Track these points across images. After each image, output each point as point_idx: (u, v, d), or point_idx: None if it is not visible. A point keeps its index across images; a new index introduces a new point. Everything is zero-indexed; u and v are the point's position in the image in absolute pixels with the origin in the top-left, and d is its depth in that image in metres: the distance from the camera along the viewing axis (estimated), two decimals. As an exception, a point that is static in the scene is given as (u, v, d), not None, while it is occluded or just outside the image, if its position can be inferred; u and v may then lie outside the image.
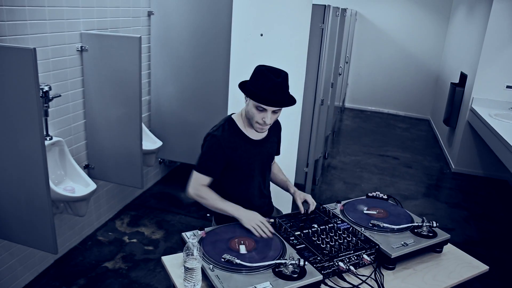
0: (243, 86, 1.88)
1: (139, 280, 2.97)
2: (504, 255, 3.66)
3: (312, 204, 2.03)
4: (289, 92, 1.87)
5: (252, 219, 1.82)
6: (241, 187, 2.03)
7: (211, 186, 1.98)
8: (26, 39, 2.51)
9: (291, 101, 1.86)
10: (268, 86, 1.77)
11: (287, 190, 2.19)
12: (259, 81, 1.79)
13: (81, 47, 2.96)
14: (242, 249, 1.67)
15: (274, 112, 1.85)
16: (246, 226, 1.81)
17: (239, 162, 1.95)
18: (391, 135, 7.14)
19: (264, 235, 1.77)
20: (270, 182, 2.23)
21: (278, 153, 2.24)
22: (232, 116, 2.01)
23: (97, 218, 3.57)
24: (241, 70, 2.77)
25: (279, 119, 2.09)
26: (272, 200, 2.28)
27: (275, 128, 2.12)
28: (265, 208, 2.16)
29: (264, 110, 1.82)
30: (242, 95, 2.82)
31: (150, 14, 3.84)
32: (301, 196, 2.07)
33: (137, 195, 4.17)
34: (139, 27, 3.72)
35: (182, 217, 3.86)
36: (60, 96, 2.82)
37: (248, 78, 1.89)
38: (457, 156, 5.59)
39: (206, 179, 1.94)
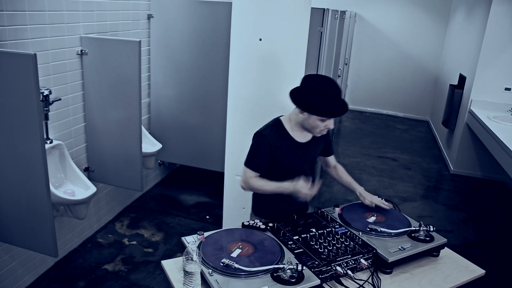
0: (300, 103, 1.94)
1: (138, 282, 2.99)
2: (502, 257, 3.68)
3: (382, 204, 2.14)
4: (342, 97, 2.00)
5: (301, 187, 1.96)
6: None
7: None
8: (27, 43, 2.53)
9: (345, 106, 1.97)
10: (329, 100, 1.88)
11: (353, 190, 2.29)
12: (318, 95, 1.88)
13: (81, 50, 2.98)
14: (243, 254, 1.69)
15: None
16: (298, 194, 1.96)
17: (283, 162, 2.06)
18: (390, 137, 7.16)
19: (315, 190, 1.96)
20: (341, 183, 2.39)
21: (332, 153, 2.35)
22: (281, 118, 2.11)
23: (97, 220, 3.58)
24: (240, 75, 2.79)
25: None
26: None
27: None
28: (301, 206, 2.24)
29: (328, 119, 1.94)
30: (242, 98, 2.84)
31: (149, 17, 3.85)
32: (368, 197, 2.19)
33: (136, 197, 4.18)
34: (138, 30, 3.73)
35: (181, 219, 3.88)
36: (60, 99, 2.84)
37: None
38: (455, 157, 5.61)
39: (254, 173, 2.06)
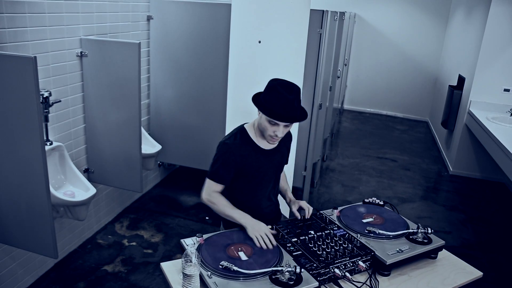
0: (256, 99, 1.93)
1: (138, 283, 3.00)
2: (500, 258, 3.69)
3: (307, 209, 2.07)
4: (301, 107, 1.91)
5: (257, 229, 1.85)
6: (250, 195, 2.08)
7: (223, 191, 2.04)
8: (27, 45, 2.54)
9: (302, 116, 1.90)
10: (280, 102, 1.82)
11: (284, 198, 2.25)
12: (272, 96, 1.84)
13: (81, 52, 2.99)
14: (242, 256, 1.70)
15: (285, 126, 1.90)
16: (250, 235, 1.84)
17: (249, 170, 2.00)
18: (390, 137, 7.17)
19: (264, 246, 1.79)
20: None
21: (286, 162, 2.28)
22: (245, 125, 2.06)
23: (97, 222, 3.59)
24: (239, 75, 2.80)
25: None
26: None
27: (286, 139, 2.15)
28: (273, 215, 2.21)
29: (276, 124, 1.86)
30: (241, 100, 2.85)
31: (149, 18, 3.86)
32: (295, 203, 2.12)
33: (136, 198, 4.19)
34: (138, 31, 3.74)
35: (181, 220, 3.89)
36: (60, 101, 2.85)
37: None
38: (454, 158, 5.63)
39: (218, 186, 2.00)
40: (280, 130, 1.88)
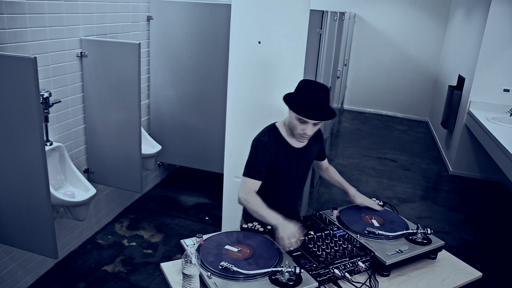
0: (287, 98, 1.97)
1: (138, 283, 3.00)
2: (500, 258, 3.69)
3: (374, 206, 2.16)
4: (329, 107, 1.95)
5: (288, 232, 1.81)
6: (276, 191, 2.12)
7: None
8: (27, 46, 2.54)
9: (331, 115, 1.94)
10: (310, 101, 1.87)
11: (346, 192, 2.28)
12: (302, 95, 1.90)
13: (81, 53, 2.99)
14: (234, 250, 1.71)
15: (314, 124, 1.94)
16: (280, 234, 1.80)
17: (280, 168, 2.05)
18: (390, 137, 7.18)
19: (287, 249, 1.78)
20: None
21: (324, 157, 2.35)
22: (276, 124, 2.11)
23: (97, 222, 3.60)
24: (239, 77, 2.80)
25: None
26: None
27: (317, 137, 2.17)
28: (294, 212, 2.26)
29: (305, 122, 1.91)
30: (241, 100, 2.86)
31: (149, 19, 3.86)
32: (360, 199, 2.19)
33: (136, 198, 4.20)
34: (138, 32, 3.75)
35: (181, 220, 3.89)
36: (60, 102, 2.85)
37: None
38: (454, 158, 5.63)
39: (256, 184, 2.01)
40: (309, 128, 1.93)
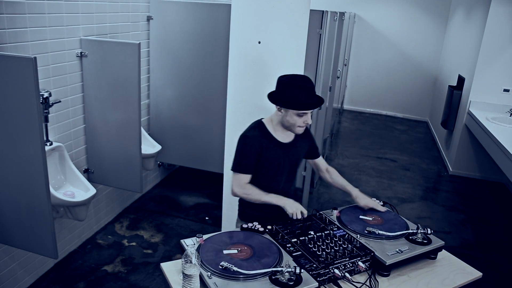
0: (276, 99, 2.03)
1: (138, 283, 3.00)
2: (500, 258, 3.69)
3: (377, 207, 2.17)
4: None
5: (295, 206, 2.00)
6: (265, 185, 2.13)
7: None
8: (27, 46, 2.54)
9: (321, 99, 2.05)
10: (304, 94, 1.97)
11: (348, 193, 2.28)
12: (294, 91, 1.97)
13: (81, 53, 2.99)
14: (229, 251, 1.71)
15: (311, 113, 2.05)
16: (288, 211, 1.98)
17: (267, 162, 2.09)
18: (389, 137, 7.18)
19: (299, 216, 1.97)
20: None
21: (318, 155, 2.37)
22: (262, 120, 2.16)
23: (97, 222, 3.60)
24: (239, 77, 2.80)
25: None
26: None
27: (304, 134, 2.20)
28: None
29: (305, 113, 2.00)
30: (241, 100, 2.86)
31: (149, 19, 3.86)
32: (363, 201, 2.19)
33: (136, 198, 4.20)
34: (138, 32, 3.74)
35: (181, 220, 3.89)
36: (60, 102, 2.85)
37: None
38: (454, 158, 5.63)
39: (247, 177, 2.09)
40: (309, 118, 2.03)
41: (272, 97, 2.04)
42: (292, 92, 1.96)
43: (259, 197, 2.06)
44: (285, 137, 2.13)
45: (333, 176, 2.34)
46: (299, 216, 1.97)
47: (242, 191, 2.08)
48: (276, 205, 2.04)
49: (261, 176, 2.12)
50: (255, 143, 2.05)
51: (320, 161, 2.37)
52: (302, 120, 2.01)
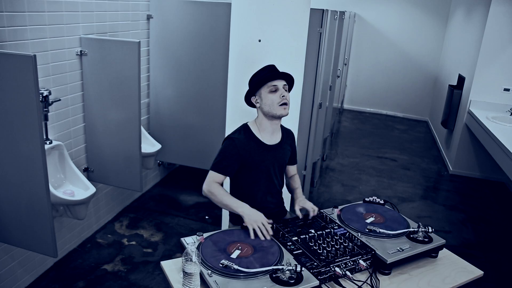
0: (249, 93, 2.10)
1: (138, 282, 2.99)
2: (501, 257, 3.69)
3: (312, 210, 2.08)
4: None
5: (253, 219, 1.87)
6: (253, 188, 2.14)
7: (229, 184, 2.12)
8: (26, 44, 2.53)
9: (289, 75, 2.10)
10: (267, 69, 2.06)
11: (292, 195, 2.30)
12: (257, 74, 2.08)
13: (81, 51, 2.99)
14: (235, 254, 1.70)
15: (285, 88, 2.06)
16: (246, 224, 1.88)
17: (253, 164, 2.08)
18: (390, 137, 7.17)
19: (261, 237, 1.82)
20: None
21: (295, 162, 2.35)
22: (248, 123, 2.16)
23: (96, 221, 3.59)
24: (239, 75, 2.79)
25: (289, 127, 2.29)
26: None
27: (288, 136, 2.24)
28: (276, 209, 2.25)
29: (276, 88, 2.03)
30: (241, 99, 2.84)
31: (149, 17, 3.86)
32: (300, 203, 2.16)
33: (136, 197, 4.19)
34: (138, 30, 3.74)
35: (181, 219, 3.88)
36: (59, 100, 2.84)
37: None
38: (454, 158, 5.62)
39: (220, 177, 2.05)
40: (284, 93, 2.03)
41: (245, 94, 2.11)
42: (254, 76, 2.08)
43: (221, 199, 1.97)
44: (271, 139, 2.13)
45: (292, 181, 2.34)
46: (260, 235, 1.82)
47: (208, 188, 2.01)
48: (235, 212, 1.95)
49: (249, 178, 2.11)
50: (239, 146, 2.04)
51: (293, 168, 2.37)
52: (278, 96, 2.01)
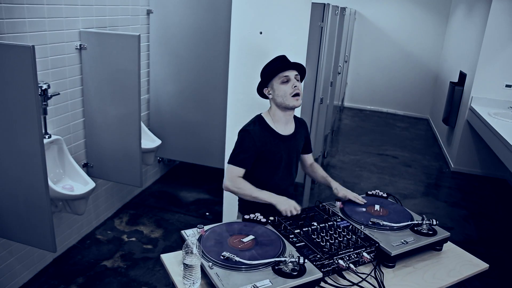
0: (261, 84, 2.11)
1: (138, 278, 2.96)
2: (503, 254, 3.66)
3: (355, 199, 2.12)
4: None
5: (287, 205, 1.96)
6: (268, 178, 2.13)
7: (244, 176, 2.09)
8: (25, 37, 2.51)
9: (301, 65, 2.08)
10: (278, 59, 2.06)
11: (328, 186, 2.28)
12: (268, 65, 2.07)
13: (80, 45, 2.96)
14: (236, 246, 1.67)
15: (296, 79, 2.04)
16: (280, 209, 1.94)
17: (268, 155, 2.08)
18: (390, 134, 7.14)
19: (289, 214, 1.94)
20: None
21: (310, 151, 2.36)
22: (261, 114, 2.16)
23: (96, 217, 3.56)
24: (240, 68, 2.77)
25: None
26: None
27: (301, 126, 2.26)
28: (293, 198, 2.22)
29: (288, 78, 2.02)
30: (242, 93, 2.82)
31: (149, 12, 3.83)
32: (342, 190, 2.20)
33: (136, 193, 4.16)
34: (138, 25, 3.71)
35: (181, 215, 3.86)
36: (59, 94, 2.82)
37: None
38: (456, 155, 5.60)
39: (240, 171, 2.05)
40: (296, 83, 2.02)
41: (258, 85, 2.11)
42: (266, 68, 2.07)
43: (250, 192, 2.01)
44: (285, 129, 2.13)
45: (315, 169, 2.35)
46: (294, 213, 1.94)
47: (233, 184, 2.03)
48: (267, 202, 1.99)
49: (265, 170, 2.11)
50: (255, 137, 2.03)
51: (309, 156, 2.37)
52: (290, 86, 2.01)
